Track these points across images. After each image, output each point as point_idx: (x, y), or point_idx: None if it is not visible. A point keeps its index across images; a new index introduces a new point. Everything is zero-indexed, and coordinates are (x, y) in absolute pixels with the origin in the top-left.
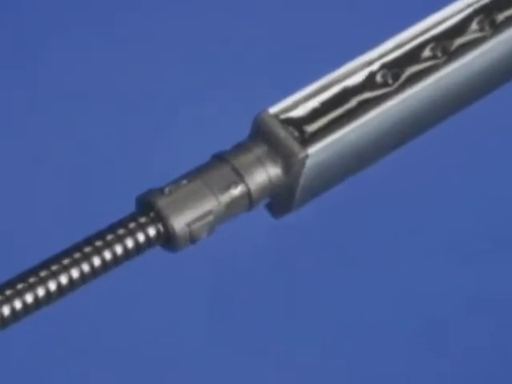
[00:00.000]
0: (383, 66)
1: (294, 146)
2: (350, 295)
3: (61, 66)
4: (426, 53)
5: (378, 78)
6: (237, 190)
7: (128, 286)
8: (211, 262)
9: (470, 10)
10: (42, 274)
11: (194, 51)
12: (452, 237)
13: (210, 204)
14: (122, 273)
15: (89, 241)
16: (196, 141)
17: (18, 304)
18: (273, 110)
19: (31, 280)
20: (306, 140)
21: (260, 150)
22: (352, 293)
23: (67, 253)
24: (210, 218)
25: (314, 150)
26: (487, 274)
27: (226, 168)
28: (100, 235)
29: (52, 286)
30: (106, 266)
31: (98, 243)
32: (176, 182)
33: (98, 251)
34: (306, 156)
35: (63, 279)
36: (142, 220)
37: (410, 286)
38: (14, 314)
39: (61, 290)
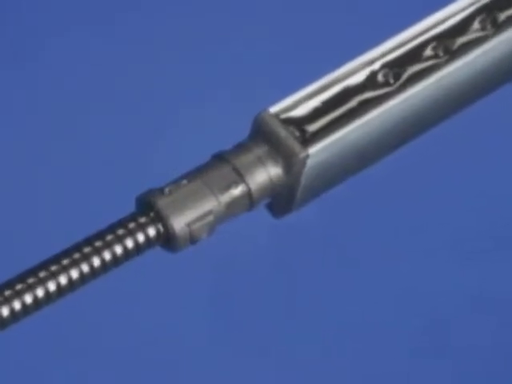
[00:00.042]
0: (384, 66)
1: (295, 145)
2: (352, 295)
3: (61, 65)
4: (428, 52)
5: (380, 78)
6: (237, 190)
7: (128, 286)
8: (212, 262)
9: (471, 9)
10: (42, 274)
11: (194, 51)
12: (454, 236)
13: (211, 204)
14: (121, 273)
15: (88, 241)
16: (196, 141)
17: (17, 305)
18: (273, 109)
19: (30, 280)
20: (307, 140)
21: (260, 150)
22: (353, 292)
23: (67, 253)
24: (211, 218)
25: (314, 149)
26: (489, 273)
27: (226, 168)
28: (99, 235)
29: (51, 286)
30: (105, 266)
31: (98, 243)
32: (176, 182)
33: (98, 251)
34: (307, 156)
35: (63, 280)
36: (142, 220)
37: (412, 285)
38: (13, 314)
39: (60, 290)
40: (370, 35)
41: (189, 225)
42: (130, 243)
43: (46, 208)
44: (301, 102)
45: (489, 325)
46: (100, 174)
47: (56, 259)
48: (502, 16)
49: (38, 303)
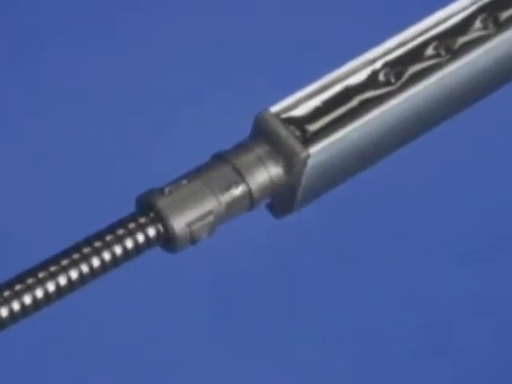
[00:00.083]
0: (386, 65)
1: (296, 145)
2: (352, 295)
3: (61, 65)
4: (429, 51)
5: (381, 77)
6: (237, 190)
7: (128, 287)
8: (212, 262)
9: (473, 8)
10: (41, 275)
11: (194, 51)
12: (454, 236)
13: (211, 204)
14: (121, 274)
15: (88, 241)
16: (196, 141)
17: (16, 305)
18: (274, 109)
19: (29, 281)
20: (308, 139)
21: (261, 150)
22: (353, 293)
23: (66, 253)
24: (211, 218)
25: (315, 149)
26: (490, 273)
27: (226, 168)
28: (99, 236)
29: (51, 287)
30: (105, 266)
31: (97, 244)
32: (176, 181)
33: (97, 252)
34: (308, 156)
35: (62, 280)
36: (142, 220)
37: (413, 285)
38: (13, 315)
39: (60, 291)
40: (371, 35)
41: (189, 225)
42: (129, 243)
43: (45, 208)
44: (302, 102)
45: (490, 325)
46: (100, 174)
47: (55, 259)
48: (504, 15)
49: (37, 304)
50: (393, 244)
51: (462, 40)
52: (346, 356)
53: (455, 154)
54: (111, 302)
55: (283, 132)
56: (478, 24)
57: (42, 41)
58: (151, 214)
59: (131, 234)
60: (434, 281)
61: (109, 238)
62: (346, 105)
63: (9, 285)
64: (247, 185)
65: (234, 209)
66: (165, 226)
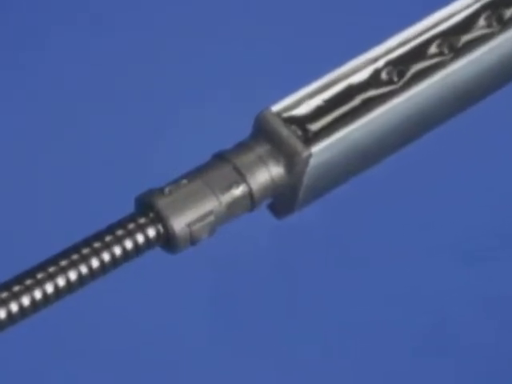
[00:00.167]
0: (388, 63)
1: (297, 144)
2: (354, 295)
3: (60, 65)
4: (433, 49)
5: (383, 76)
6: (238, 190)
7: (128, 287)
8: (212, 263)
9: (477, 6)
10: (39, 276)
11: (194, 51)
12: (458, 235)
13: (211, 204)
14: (121, 274)
15: (87, 242)
16: (196, 141)
17: (14, 307)
18: (275, 108)
19: (28, 282)
20: (310, 139)
21: (262, 149)
22: (355, 293)
23: (65, 254)
24: (211, 218)
25: (317, 148)
26: (495, 272)
27: (227, 167)
28: (98, 236)
29: (49, 288)
30: (104, 267)
31: (97, 244)
32: (176, 181)
33: (97, 253)
34: (310, 155)
35: (61, 281)
36: (142, 221)
37: (416, 284)
38: (11, 317)
39: (58, 292)
40: (373, 33)
41: (189, 225)
42: (129, 244)
43: (45, 208)
44: (303, 101)
45: (494, 324)
46: (100, 174)
47: (54, 260)
48: (508, 13)
49: (35, 305)
50: (395, 243)
51: (465, 38)
52: (347, 356)
53: (458, 152)
54: (111, 303)
55: (284, 131)
56: (481, 22)
57: (42, 41)
58: (151, 215)
59: (131, 234)
60: (437, 280)
61: (108, 238)
62: (348, 104)
63: (7, 286)
64: (248, 185)
65: (234, 209)
66: (165, 226)
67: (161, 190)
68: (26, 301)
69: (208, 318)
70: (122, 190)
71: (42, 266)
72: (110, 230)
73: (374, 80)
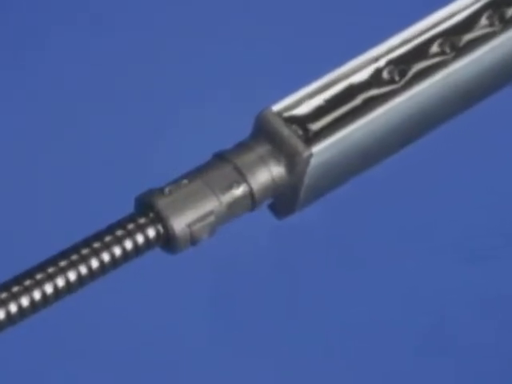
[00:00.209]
0: (390, 63)
1: (298, 144)
2: (355, 296)
3: (61, 65)
4: (434, 49)
5: (385, 75)
6: (239, 190)
7: (128, 288)
8: (213, 263)
9: (479, 5)
10: (39, 276)
11: (194, 51)
12: (460, 235)
13: (211, 204)
14: (121, 274)
15: (87, 242)
16: (196, 141)
17: (13, 308)
18: (276, 107)
19: (27, 283)
20: (311, 138)
21: (263, 149)
22: (356, 293)
23: (64, 254)
24: (211, 218)
25: (318, 148)
26: (496, 271)
27: (227, 167)
28: (98, 236)
29: (49, 288)
30: (104, 268)
31: (96, 245)
32: (176, 181)
33: (96, 253)
34: (311, 155)
35: (60, 282)
36: (142, 221)
37: (418, 284)
38: (10, 317)
39: (58, 292)
40: (375, 32)
41: (189, 225)
42: (129, 244)
43: (45, 208)
44: (304, 100)
45: (495, 323)
46: (100, 174)
47: (53, 261)
48: (510, 12)
49: (34, 306)
50: (397, 243)
51: (467, 37)
52: (348, 356)
53: (461, 152)
54: (111, 303)
55: (285, 131)
56: (483, 21)
57: (42, 41)
58: (151, 215)
59: (131, 234)
60: (439, 279)
61: (108, 238)
62: (349, 103)
63: (6, 286)
64: (248, 185)
65: (235, 209)
66: (165, 226)
67: (161, 190)
68: (25, 301)
69: (208, 319)
70: (122, 190)
71: (41, 267)
72: (110, 230)
73: (375, 79)
